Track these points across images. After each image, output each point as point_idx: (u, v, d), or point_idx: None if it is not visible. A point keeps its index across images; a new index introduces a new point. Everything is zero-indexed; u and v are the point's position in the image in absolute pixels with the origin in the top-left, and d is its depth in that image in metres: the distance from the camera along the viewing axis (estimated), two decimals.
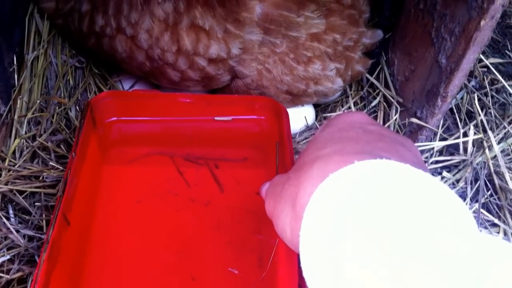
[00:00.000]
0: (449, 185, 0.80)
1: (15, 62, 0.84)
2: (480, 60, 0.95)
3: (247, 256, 0.69)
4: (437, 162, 0.82)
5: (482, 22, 0.71)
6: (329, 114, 0.91)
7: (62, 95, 0.89)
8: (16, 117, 0.79)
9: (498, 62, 0.97)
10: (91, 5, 0.79)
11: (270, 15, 0.79)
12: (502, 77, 0.93)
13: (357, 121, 0.54)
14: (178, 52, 0.77)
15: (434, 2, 0.82)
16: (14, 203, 0.73)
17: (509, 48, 1.01)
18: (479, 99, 0.88)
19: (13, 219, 0.72)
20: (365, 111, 0.90)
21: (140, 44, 0.77)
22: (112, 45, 0.79)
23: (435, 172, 0.81)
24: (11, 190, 0.72)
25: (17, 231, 0.70)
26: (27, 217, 0.72)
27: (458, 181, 0.80)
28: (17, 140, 0.77)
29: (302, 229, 0.41)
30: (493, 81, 0.93)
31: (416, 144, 0.82)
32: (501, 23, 1.06)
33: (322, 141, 0.50)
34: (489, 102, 0.89)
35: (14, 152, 0.78)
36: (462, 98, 0.90)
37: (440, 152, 0.84)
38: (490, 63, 0.93)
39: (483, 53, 0.98)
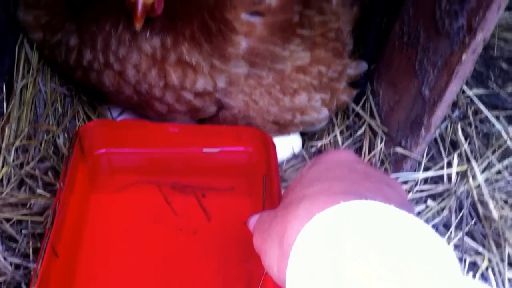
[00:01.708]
0: (434, 213, 0.82)
1: (4, 90, 0.85)
2: (464, 91, 0.98)
3: (235, 285, 0.69)
4: (422, 191, 0.83)
5: (464, 56, 0.73)
6: (315, 143, 0.93)
7: (51, 122, 0.89)
8: (4, 145, 0.79)
9: (482, 93, 0.99)
10: (79, 39, 0.80)
11: (256, 49, 0.81)
12: (486, 107, 0.95)
13: (344, 160, 0.56)
14: (166, 87, 0.78)
15: (417, 36, 0.84)
16: (1, 231, 0.73)
17: (492, 79, 1.03)
18: (462, 129, 0.90)
19: (0, 246, 0.71)
20: (350, 140, 0.92)
21: (127, 79, 0.78)
22: (99, 79, 0.79)
23: (420, 201, 0.83)
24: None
25: (4, 259, 0.70)
26: (14, 245, 0.72)
27: (442, 209, 0.82)
28: (4, 169, 0.77)
29: (289, 267, 0.42)
30: (476, 111, 0.95)
31: (401, 173, 0.84)
32: (485, 55, 1.08)
33: (309, 180, 0.52)
34: (472, 132, 0.91)
35: (1, 180, 0.78)
36: (446, 128, 0.92)
37: (425, 181, 0.85)
38: (474, 94, 0.96)
39: (467, 83, 1.00)
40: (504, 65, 1.06)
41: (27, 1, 0.89)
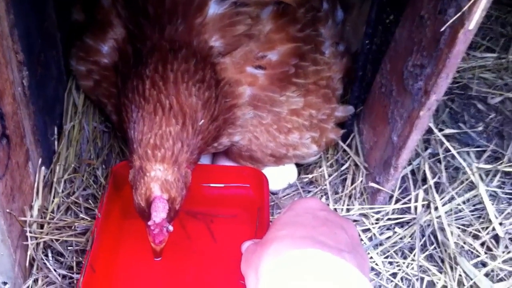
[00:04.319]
0: (401, 238, 0.98)
1: (55, 133, 1.06)
2: (441, 129, 1.13)
3: None
4: (390, 219, 1.00)
5: (421, 113, 0.90)
6: (307, 175, 1.10)
7: (92, 156, 1.10)
8: (55, 179, 1.00)
9: (455, 132, 1.14)
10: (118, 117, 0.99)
11: (258, 96, 0.99)
12: (459, 144, 1.11)
13: (310, 207, 0.77)
14: None
15: (391, 89, 1.00)
16: (52, 248, 0.94)
17: (466, 119, 1.18)
18: (430, 167, 1.06)
19: (51, 261, 0.93)
20: (337, 173, 1.09)
21: None
22: None
23: (390, 228, 0.99)
24: (51, 240, 0.93)
25: (54, 270, 0.91)
26: (62, 259, 0.94)
27: (408, 235, 0.98)
28: (56, 199, 0.98)
29: None
30: (448, 149, 1.10)
31: (375, 205, 1.01)
32: (463, 94, 1.23)
33: (282, 224, 0.74)
34: (442, 167, 1.07)
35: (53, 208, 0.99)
36: (419, 164, 1.08)
37: (396, 211, 1.02)
38: (448, 133, 1.11)
39: (443, 123, 1.16)
40: (480, 105, 1.21)
41: (78, 54, 1.08)
